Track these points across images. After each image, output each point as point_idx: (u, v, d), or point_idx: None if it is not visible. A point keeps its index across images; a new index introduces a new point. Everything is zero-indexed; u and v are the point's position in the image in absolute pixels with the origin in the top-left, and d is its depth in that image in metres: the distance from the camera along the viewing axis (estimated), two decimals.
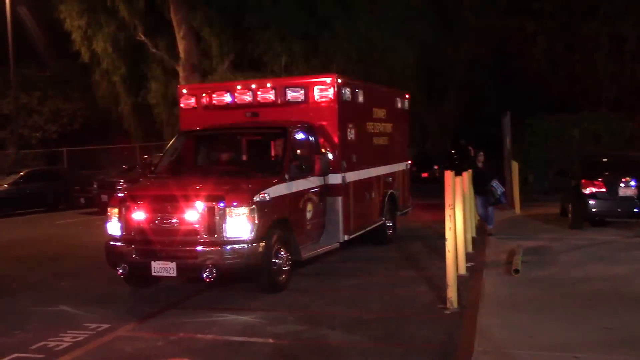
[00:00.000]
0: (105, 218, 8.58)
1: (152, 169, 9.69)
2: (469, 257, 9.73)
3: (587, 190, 12.58)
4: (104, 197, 16.56)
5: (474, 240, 11.46)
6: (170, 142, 10.28)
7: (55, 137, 30.36)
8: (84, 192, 20.77)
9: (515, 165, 16.57)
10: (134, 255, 8.17)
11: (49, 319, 7.64)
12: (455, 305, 7.33)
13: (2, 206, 20.33)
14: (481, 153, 12.81)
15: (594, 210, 12.63)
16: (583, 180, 12.71)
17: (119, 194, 8.61)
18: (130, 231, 8.23)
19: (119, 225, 8.31)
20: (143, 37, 23.26)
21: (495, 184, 12.49)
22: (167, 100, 23.42)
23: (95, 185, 19.85)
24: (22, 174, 21.90)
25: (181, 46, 22.07)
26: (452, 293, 7.36)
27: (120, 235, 8.31)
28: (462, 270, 8.94)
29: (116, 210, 8.35)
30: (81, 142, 28.96)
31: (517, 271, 8.88)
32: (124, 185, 14.77)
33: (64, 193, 21.71)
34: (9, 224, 18.33)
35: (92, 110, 30.06)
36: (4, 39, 24.23)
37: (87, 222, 17.31)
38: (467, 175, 11.28)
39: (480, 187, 12.39)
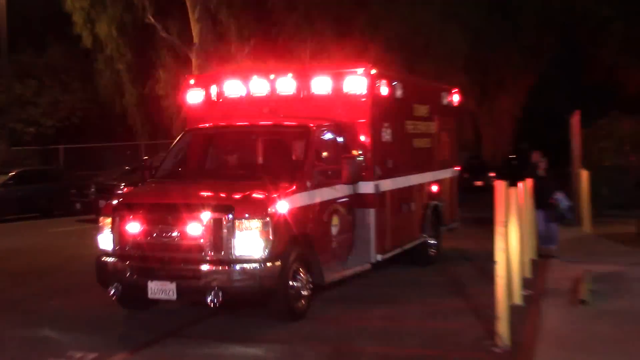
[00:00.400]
0: (98, 228, 8.55)
1: (153, 172, 9.65)
2: (525, 283, 9.46)
3: None
4: (102, 203, 16.62)
5: (533, 263, 11.17)
6: (175, 141, 10.24)
7: (51, 133, 30.78)
8: (81, 196, 20.97)
9: (585, 175, 16.17)
10: (128, 274, 8.10)
11: (30, 344, 7.61)
12: (507, 342, 7.07)
13: None
14: (543, 159, 12.51)
15: None
16: None
17: (113, 201, 8.57)
18: (125, 245, 8.17)
19: (111, 237, 8.26)
20: (152, 20, 23.39)
21: (559, 196, 12.18)
22: (178, 91, 23.50)
23: (93, 189, 20.01)
24: (12, 174, 22.20)
25: (195, 30, 22.13)
26: (503, 327, 7.11)
27: (113, 250, 8.26)
28: (517, 300, 8.71)
29: (109, 220, 8.31)
30: (80, 139, 29.32)
31: (584, 302, 8.66)
32: (123, 190, 14.79)
33: (59, 197, 21.95)
34: None
35: (94, 103, 30.42)
36: None
37: (83, 232, 17.40)
38: (526, 185, 11.01)
39: (541, 200, 12.08)
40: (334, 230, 9.19)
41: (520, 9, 29.55)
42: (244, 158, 10.21)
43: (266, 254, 7.74)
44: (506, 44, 29.82)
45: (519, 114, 34.97)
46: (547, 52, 31.78)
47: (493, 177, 32.04)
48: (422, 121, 11.94)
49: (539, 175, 12.25)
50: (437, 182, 12.49)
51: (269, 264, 7.75)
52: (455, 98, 13.92)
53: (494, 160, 35.43)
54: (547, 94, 33.60)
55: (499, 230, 7.19)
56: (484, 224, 15.50)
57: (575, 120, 17.57)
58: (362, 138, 9.79)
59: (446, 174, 13.14)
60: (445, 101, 13.40)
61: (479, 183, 31.27)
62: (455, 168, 13.86)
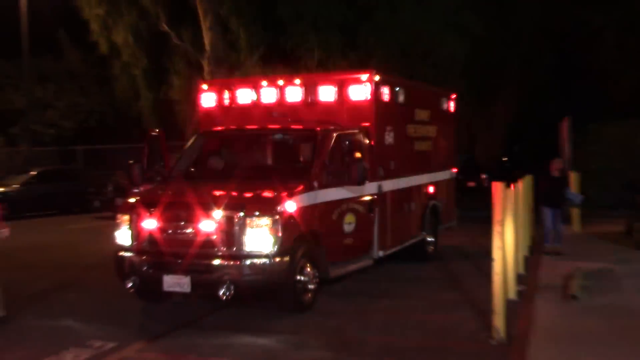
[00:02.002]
0: (116, 225, 8.58)
1: (137, 177, 9.52)
2: (519, 279, 9.47)
3: None
4: (119, 201, 16.67)
5: (526, 260, 11.18)
6: (189, 143, 10.27)
7: (70, 134, 30.85)
8: (99, 194, 21.04)
9: (575, 177, 16.16)
10: (144, 268, 8.15)
11: (52, 334, 7.65)
12: (503, 335, 7.09)
13: (12, 208, 20.60)
14: (557, 159, 12.43)
15: None
16: None
17: (130, 200, 8.60)
18: (142, 241, 8.21)
19: (129, 233, 8.31)
20: (166, 28, 23.42)
21: (571, 194, 12.10)
22: (191, 96, 23.52)
23: (110, 188, 20.08)
24: (33, 173, 22.28)
25: (207, 38, 22.16)
26: (499, 321, 7.11)
27: (131, 245, 8.30)
28: (512, 295, 8.70)
29: (126, 217, 8.35)
30: (97, 140, 29.35)
31: (575, 297, 8.64)
32: (139, 189, 14.82)
33: (77, 195, 22.00)
34: (18, 228, 18.39)
35: (110, 106, 30.47)
36: (19, 28, 24.70)
37: (100, 228, 17.43)
38: (520, 186, 10.99)
39: (552, 199, 12.04)
40: (344, 228, 9.13)
41: (517, 19, 29.43)
42: (254, 159, 10.23)
43: (275, 249, 7.75)
44: (502, 52, 29.73)
45: (512, 119, 34.83)
46: (541, 60, 31.67)
47: (485, 178, 32.05)
48: (422, 125, 11.94)
49: (552, 176, 12.15)
50: (435, 183, 12.48)
51: (277, 259, 7.75)
52: (454, 104, 13.92)
53: (487, 162, 35.32)
54: (540, 100, 33.49)
55: (496, 229, 7.19)
56: (478, 222, 15.58)
57: (565, 125, 17.54)
58: (366, 141, 9.80)
59: (444, 175, 13.14)
60: (444, 106, 13.38)
61: (471, 184, 31.20)
62: (453, 170, 13.85)
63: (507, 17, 28.97)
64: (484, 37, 25.85)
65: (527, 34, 30.06)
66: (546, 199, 12.15)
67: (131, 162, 9.66)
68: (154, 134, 10.63)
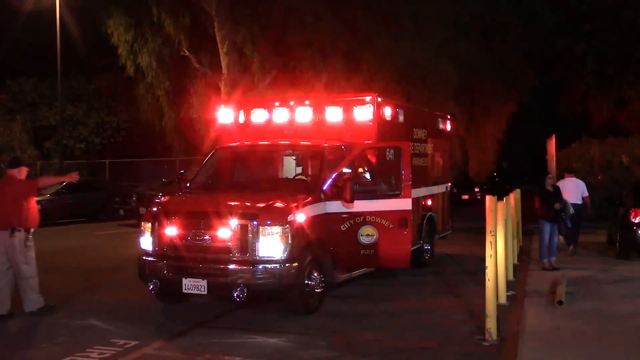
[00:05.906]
0: (139, 232, 8.53)
1: (187, 184, 9.61)
2: (509, 285, 9.35)
3: (637, 219, 12.08)
4: (142, 210, 16.67)
5: (515, 267, 11.06)
6: (207, 158, 10.22)
7: (98, 149, 30.96)
8: (123, 203, 21.06)
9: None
10: (165, 271, 8.07)
11: (78, 332, 7.56)
12: (495, 337, 6.99)
13: (44, 215, 20.56)
14: (550, 175, 12.03)
15: None
16: (632, 209, 12.18)
17: (153, 209, 8.54)
18: (163, 246, 8.14)
19: (151, 240, 8.24)
20: (187, 53, 23.51)
21: (567, 204, 11.57)
22: (209, 115, 23.58)
23: (134, 198, 20.05)
24: (64, 184, 22.28)
25: (224, 62, 22.21)
26: (491, 324, 7.02)
27: (153, 250, 8.23)
28: (503, 299, 8.59)
29: (149, 224, 8.29)
30: (123, 154, 29.41)
31: (560, 302, 8.50)
32: (161, 199, 14.82)
33: (104, 204, 22.02)
34: (49, 234, 18.52)
35: (136, 124, 30.57)
36: (53, 51, 24.83)
37: (125, 234, 17.42)
38: (509, 199, 10.92)
39: (550, 212, 11.34)
40: (352, 237, 8.86)
41: (505, 47, 29.51)
42: (266, 173, 10.18)
43: (285, 255, 7.68)
44: (491, 76, 29.74)
45: (501, 137, 34.82)
46: (526, 84, 31.70)
47: (478, 192, 31.93)
48: (420, 143, 11.86)
49: (547, 190, 11.59)
50: (432, 196, 12.37)
51: (287, 265, 7.69)
52: (448, 124, 13.87)
53: (479, 177, 35.26)
54: (526, 121, 33.53)
55: (488, 239, 7.12)
56: (471, 232, 15.52)
57: (552, 142, 17.46)
58: (369, 157, 9.72)
59: (440, 189, 13.03)
60: (440, 126, 13.33)
61: (465, 197, 31.10)
62: (448, 184, 13.76)
63: (496, 45, 29.02)
64: (474, 64, 25.88)
65: (513, 60, 30.10)
66: (545, 213, 11.42)
67: (182, 171, 9.80)
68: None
